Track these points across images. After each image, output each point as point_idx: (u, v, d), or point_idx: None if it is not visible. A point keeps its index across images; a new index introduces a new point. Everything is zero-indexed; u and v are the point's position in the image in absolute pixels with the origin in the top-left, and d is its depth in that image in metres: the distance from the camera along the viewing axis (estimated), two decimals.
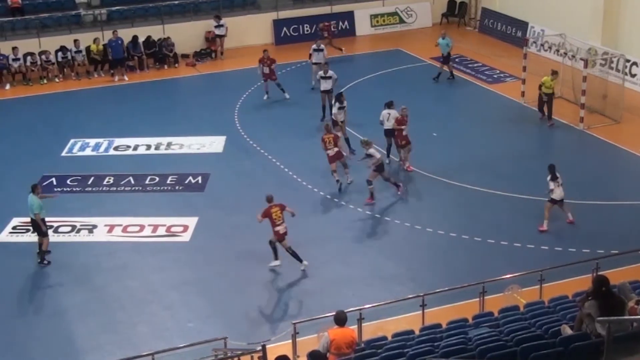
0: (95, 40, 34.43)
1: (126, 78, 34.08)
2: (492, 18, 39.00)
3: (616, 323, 11.66)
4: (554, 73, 28.52)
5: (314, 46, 31.71)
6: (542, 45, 35.25)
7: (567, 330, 12.89)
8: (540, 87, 28.34)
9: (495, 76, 33.51)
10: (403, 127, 24.58)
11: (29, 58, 33.75)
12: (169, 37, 35.76)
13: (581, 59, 29.13)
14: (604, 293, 12.20)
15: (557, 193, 21.18)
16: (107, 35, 35.09)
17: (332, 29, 36.97)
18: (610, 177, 25.47)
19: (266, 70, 30.56)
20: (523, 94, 30.34)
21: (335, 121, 25.98)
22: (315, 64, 31.29)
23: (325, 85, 28.42)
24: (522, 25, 36.88)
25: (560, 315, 14.46)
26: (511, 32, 37.63)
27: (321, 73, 28.95)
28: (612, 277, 13.25)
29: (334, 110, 26.34)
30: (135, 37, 34.95)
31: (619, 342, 11.39)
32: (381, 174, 23.21)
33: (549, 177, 21.19)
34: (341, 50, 35.89)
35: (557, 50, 33.81)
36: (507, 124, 29.01)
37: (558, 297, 15.90)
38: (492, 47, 37.12)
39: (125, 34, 34.72)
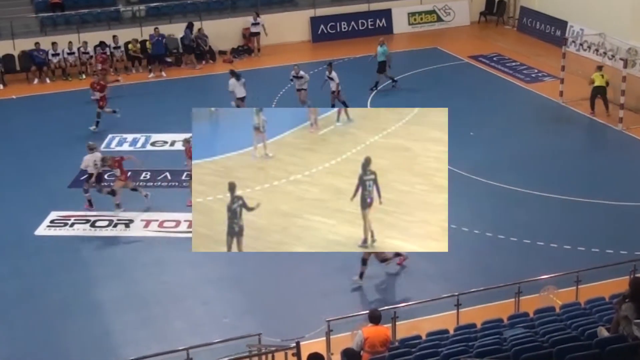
0: (132, 40, 34.81)
1: (164, 74, 34.28)
2: (531, 17, 38.73)
3: None
4: (599, 68, 28.39)
5: (293, 73, 29.67)
6: (581, 44, 34.87)
7: (603, 333, 12.76)
8: (592, 84, 28.36)
9: (533, 75, 33.27)
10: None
11: (65, 50, 34.13)
12: (200, 28, 35.96)
13: (621, 58, 28.87)
14: None
15: None
16: (146, 31, 35.38)
17: (107, 59, 34.20)
18: None
19: (96, 96, 28.67)
20: (561, 93, 30.10)
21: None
22: (300, 90, 29.50)
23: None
24: (561, 24, 36.56)
25: (596, 317, 14.32)
26: (550, 31, 37.33)
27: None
28: None
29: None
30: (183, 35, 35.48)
31: None
32: (98, 184, 23.05)
33: None
34: (118, 80, 33.21)
35: (597, 50, 33.51)
36: (545, 123, 28.80)
37: (594, 299, 15.74)
38: (531, 46, 36.86)
39: (163, 31, 34.97)
